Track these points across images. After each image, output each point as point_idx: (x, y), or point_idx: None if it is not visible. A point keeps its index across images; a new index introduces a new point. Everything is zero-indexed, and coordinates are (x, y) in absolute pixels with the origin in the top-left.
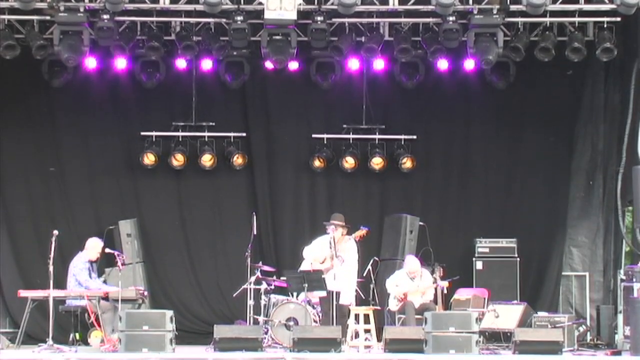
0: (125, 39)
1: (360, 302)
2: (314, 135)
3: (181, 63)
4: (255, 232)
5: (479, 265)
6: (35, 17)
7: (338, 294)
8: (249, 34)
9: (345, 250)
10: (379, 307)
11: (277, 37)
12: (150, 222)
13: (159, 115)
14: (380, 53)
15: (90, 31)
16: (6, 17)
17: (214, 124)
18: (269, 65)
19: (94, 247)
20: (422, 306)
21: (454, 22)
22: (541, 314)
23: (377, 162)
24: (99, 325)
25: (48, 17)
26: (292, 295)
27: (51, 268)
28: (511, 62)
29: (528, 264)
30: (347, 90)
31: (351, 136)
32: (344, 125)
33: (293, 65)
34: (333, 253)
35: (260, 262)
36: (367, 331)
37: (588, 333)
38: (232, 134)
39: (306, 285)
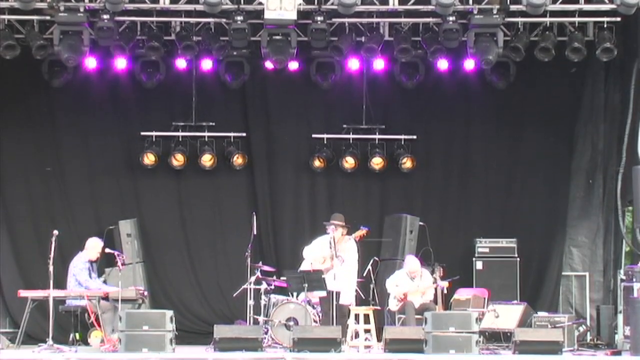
0: (125, 39)
1: (360, 302)
2: (314, 135)
3: (181, 63)
4: (255, 232)
5: (479, 265)
6: (35, 17)
7: (338, 294)
8: (249, 34)
9: (345, 250)
10: (379, 307)
11: (277, 37)
12: (150, 222)
13: (159, 115)
14: (380, 53)
15: (90, 31)
16: (6, 17)
17: (214, 124)
18: (269, 65)
19: (94, 247)
20: (422, 306)
21: (454, 22)
22: (541, 314)
23: (377, 162)
24: (99, 325)
25: (48, 17)
26: (292, 295)
27: (51, 268)
28: (511, 62)
29: (528, 264)
30: (347, 90)
31: (351, 136)
32: (344, 125)
33: (293, 65)
34: (333, 253)
35: (260, 262)
36: (367, 331)
37: (588, 333)
38: (232, 134)
39: (306, 285)
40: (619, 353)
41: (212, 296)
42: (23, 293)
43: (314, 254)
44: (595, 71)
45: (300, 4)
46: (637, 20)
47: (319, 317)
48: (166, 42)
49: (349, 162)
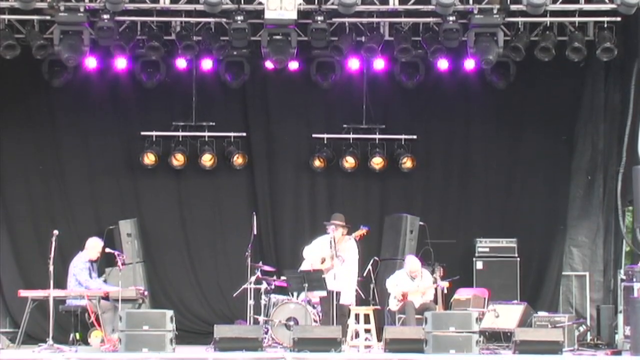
0: (125, 38)
1: (360, 302)
2: (314, 135)
3: (181, 63)
4: (255, 232)
5: (479, 265)
6: (35, 17)
7: (338, 293)
8: (249, 34)
9: (345, 250)
10: (379, 307)
11: (278, 37)
12: (150, 222)
13: (159, 115)
14: (380, 53)
15: (90, 31)
16: (6, 17)
17: (214, 123)
18: (269, 65)
19: (94, 246)
20: (422, 306)
21: (454, 22)
22: (541, 313)
23: (377, 162)
24: (99, 325)
25: (48, 17)
26: (292, 295)
27: (51, 268)
28: (511, 62)
29: (528, 263)
30: (347, 90)
31: (351, 136)
32: (344, 125)
33: (293, 65)
34: (333, 253)
35: (261, 262)
36: (367, 331)
37: (588, 333)
38: (232, 134)
39: (306, 285)
40: (619, 353)
41: (212, 296)
42: (23, 293)
43: (314, 254)
44: (596, 71)
45: (300, 4)
46: (638, 20)
47: (319, 317)
48: (166, 42)
49: (349, 162)
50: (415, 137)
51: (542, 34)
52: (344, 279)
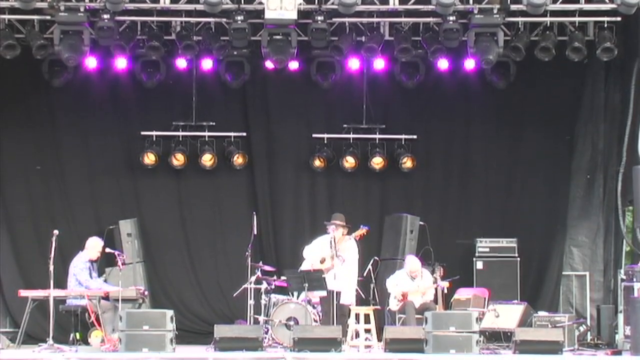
0: (125, 38)
1: (360, 301)
2: (314, 135)
3: (181, 63)
4: (255, 232)
5: (479, 265)
6: (35, 17)
7: (338, 293)
8: (249, 34)
9: (345, 250)
10: (379, 307)
11: (278, 37)
12: (150, 222)
13: (159, 115)
14: (380, 53)
15: (90, 31)
16: (6, 16)
17: (214, 123)
18: (269, 65)
19: (94, 246)
20: (423, 306)
21: (454, 22)
22: (541, 313)
23: (377, 162)
24: (99, 325)
25: (48, 17)
26: (293, 295)
27: (51, 268)
28: (511, 62)
29: (528, 263)
30: (348, 90)
31: (351, 136)
32: (344, 125)
33: (293, 65)
34: (333, 253)
35: (261, 262)
36: (368, 331)
37: (588, 333)
38: (232, 134)
39: (306, 285)
40: (619, 353)
41: (213, 296)
42: (23, 293)
43: (314, 254)
44: (596, 71)
45: (300, 4)
46: (638, 20)
47: (319, 316)
48: (166, 42)
49: (349, 162)
50: (415, 137)
51: (542, 34)
52: (344, 278)
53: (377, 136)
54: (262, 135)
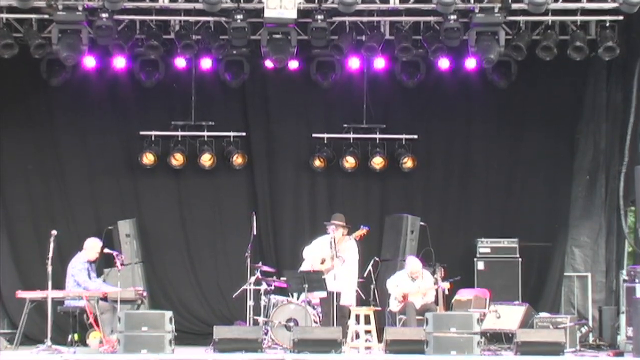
0: (124, 37)
1: (360, 302)
2: (314, 135)
3: (180, 62)
4: (255, 232)
5: (480, 265)
6: (33, 16)
7: (338, 294)
8: (249, 33)
9: (345, 250)
10: (379, 308)
11: (277, 36)
12: (149, 222)
13: (158, 115)
14: (380, 52)
15: (89, 30)
16: (4, 15)
17: (213, 123)
18: (268, 64)
19: (92, 247)
20: (423, 307)
21: (455, 21)
22: (543, 314)
23: (377, 162)
24: (98, 326)
25: (46, 16)
26: (292, 296)
27: (50, 268)
28: (513, 61)
29: (530, 264)
30: (348, 90)
31: (352, 135)
32: (345, 125)
33: (293, 64)
34: (333, 253)
35: (260, 263)
36: (368, 332)
37: (590, 334)
38: (231, 134)
39: (306, 285)
40: (621, 354)
41: (212, 297)
42: (21, 294)
43: (314, 255)
44: (597, 70)
45: (300, 3)
46: None
47: (319, 317)
48: (165, 41)
49: (349, 162)
50: (415, 136)
51: (543, 33)
52: (344, 279)
53: (378, 136)
54: (262, 135)
